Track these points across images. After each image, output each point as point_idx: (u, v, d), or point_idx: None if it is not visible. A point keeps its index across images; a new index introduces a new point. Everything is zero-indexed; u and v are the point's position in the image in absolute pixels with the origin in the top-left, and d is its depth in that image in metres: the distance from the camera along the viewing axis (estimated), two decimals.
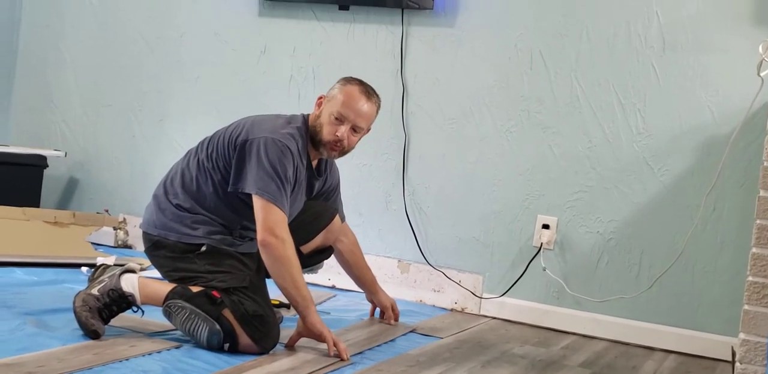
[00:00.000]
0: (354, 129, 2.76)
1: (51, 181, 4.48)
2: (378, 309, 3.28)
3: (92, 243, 4.00)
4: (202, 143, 2.82)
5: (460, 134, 3.76)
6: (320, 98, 2.82)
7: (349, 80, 2.84)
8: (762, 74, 3.09)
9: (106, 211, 4.34)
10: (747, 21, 3.32)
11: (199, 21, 4.26)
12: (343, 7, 3.90)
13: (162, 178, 2.88)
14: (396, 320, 3.23)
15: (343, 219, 3.16)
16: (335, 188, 3.10)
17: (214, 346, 2.50)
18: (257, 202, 2.60)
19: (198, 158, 2.77)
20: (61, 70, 4.58)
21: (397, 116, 3.77)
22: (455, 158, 3.76)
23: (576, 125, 3.56)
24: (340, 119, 2.73)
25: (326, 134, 2.74)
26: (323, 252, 3.10)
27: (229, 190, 2.69)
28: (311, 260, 3.05)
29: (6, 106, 4.67)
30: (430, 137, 3.82)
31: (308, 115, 2.83)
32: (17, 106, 4.69)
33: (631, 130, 3.48)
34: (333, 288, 3.80)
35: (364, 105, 2.77)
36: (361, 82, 2.83)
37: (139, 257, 3.81)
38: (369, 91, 2.81)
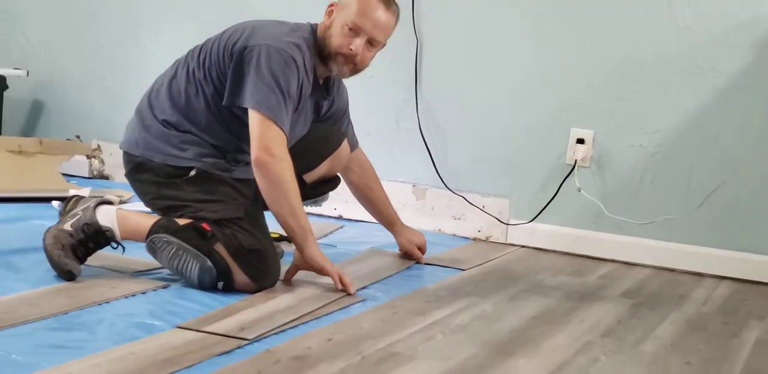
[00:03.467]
0: (370, 42, 2.70)
1: (12, 104, 4.49)
2: (399, 248, 3.27)
3: (63, 174, 4.00)
4: (192, 51, 2.78)
5: (481, 36, 3.74)
6: (331, 5, 2.75)
7: None
8: None
9: (78, 137, 4.37)
10: None
11: None
12: None
13: (146, 91, 2.83)
14: (422, 254, 3.23)
15: (355, 145, 3.15)
16: (345, 111, 3.08)
17: (206, 285, 2.51)
18: (253, 117, 2.57)
19: (188, 68, 2.73)
20: None
21: (407, 17, 3.70)
22: (476, 64, 3.76)
23: (611, 26, 3.55)
24: (354, 30, 2.67)
25: (337, 46, 2.68)
26: (329, 183, 3.09)
27: (223, 104, 2.66)
28: (315, 192, 3.04)
29: None
30: (446, 41, 3.80)
31: (316, 25, 2.78)
32: None
33: (679, 28, 3.45)
34: (340, 218, 3.83)
35: (383, 15, 2.70)
36: None
37: (117, 189, 3.83)
38: (396, 7, 2.76)
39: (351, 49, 2.68)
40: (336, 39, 2.68)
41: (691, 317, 2.74)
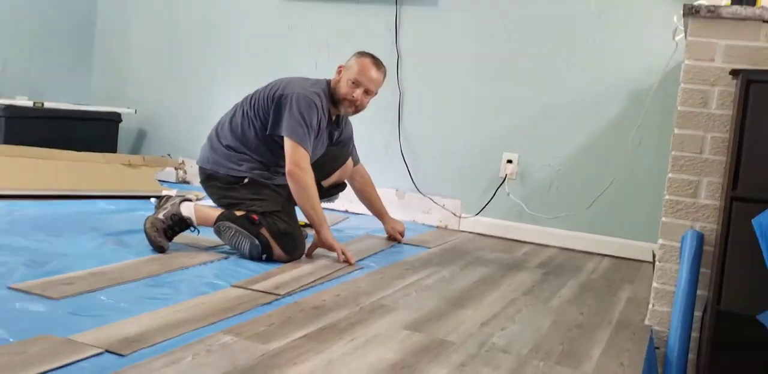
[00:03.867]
0: (366, 92, 2.71)
1: (124, 132, 4.47)
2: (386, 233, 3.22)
3: (158, 180, 3.99)
4: (246, 98, 2.78)
5: (443, 93, 3.72)
6: (340, 67, 2.74)
7: (362, 54, 2.76)
8: (676, 39, 3.04)
9: (169, 155, 4.36)
10: None
11: (237, 6, 4.19)
12: None
13: (214, 125, 2.84)
14: (401, 238, 3.18)
15: (357, 162, 3.12)
16: (350, 138, 3.05)
17: (254, 257, 2.50)
18: (287, 142, 2.58)
19: (243, 109, 2.73)
20: (131, 44, 4.54)
21: (393, 77, 3.70)
22: (440, 109, 3.73)
23: (533, 82, 3.53)
24: (356, 84, 2.68)
25: (344, 94, 2.69)
26: (338, 187, 3.07)
27: (267, 133, 2.66)
28: (329, 192, 3.03)
29: (87, 73, 4.63)
30: (420, 94, 3.78)
31: (329, 80, 2.77)
32: (97, 73, 4.65)
33: (575, 86, 3.45)
34: (346, 212, 3.81)
35: (374, 73, 2.72)
36: (372, 56, 2.76)
37: (194, 191, 3.82)
38: (378, 63, 2.76)
39: (354, 97, 2.69)
40: (343, 89, 2.69)
41: (584, 282, 2.73)
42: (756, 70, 1.90)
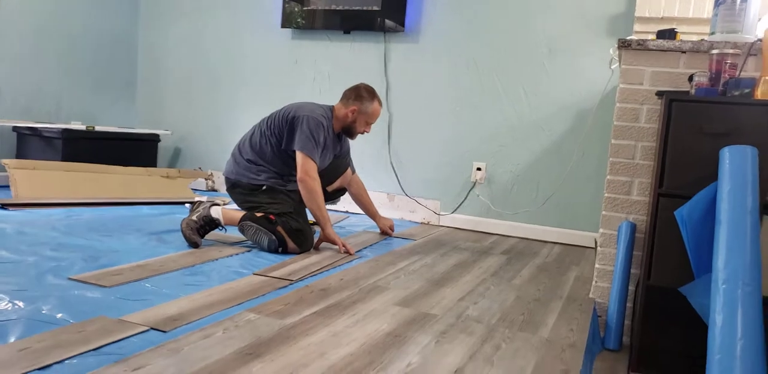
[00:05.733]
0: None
1: (163, 150, 4.47)
2: (379, 229, 3.21)
3: (192, 189, 3.99)
4: (263, 119, 2.78)
5: (424, 114, 3.73)
6: (354, 108, 2.73)
7: (372, 96, 2.75)
8: (612, 67, 3.07)
9: (200, 168, 4.34)
10: (603, 34, 3.29)
11: (253, 44, 4.20)
12: (347, 32, 3.86)
13: (236, 143, 2.84)
14: (392, 232, 3.18)
15: (353, 171, 3.12)
16: (348, 152, 3.05)
17: (272, 250, 2.50)
18: (299, 155, 2.58)
19: (261, 129, 2.73)
20: (168, 77, 4.53)
21: (384, 101, 3.71)
22: (422, 128, 3.74)
23: (496, 105, 3.54)
24: (368, 123, 2.78)
25: (361, 130, 2.78)
26: (340, 191, 3.07)
27: (282, 148, 2.66)
28: (333, 195, 3.04)
29: (131, 101, 4.63)
30: (405, 115, 3.78)
31: (332, 106, 2.78)
32: (139, 101, 4.64)
33: (530, 107, 3.47)
34: (346, 212, 3.81)
35: (380, 111, 2.80)
36: (379, 99, 2.78)
37: (221, 197, 3.82)
38: (381, 103, 2.81)
39: (367, 131, 2.81)
40: (360, 126, 2.78)
41: (540, 264, 2.74)
42: (677, 91, 1.93)
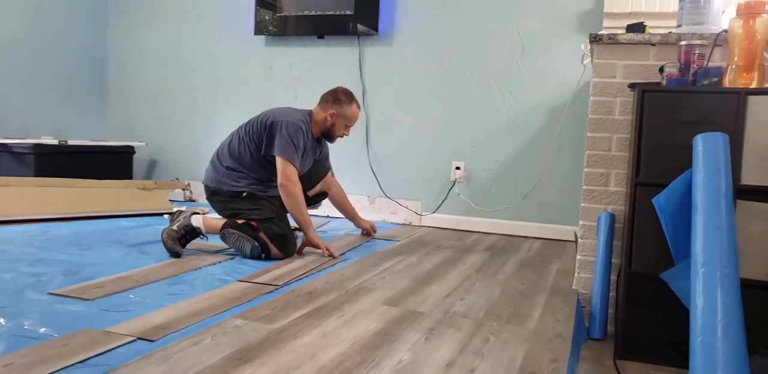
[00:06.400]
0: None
1: (138, 162, 4.43)
2: (362, 230, 3.23)
3: (169, 200, 3.95)
4: (241, 126, 2.76)
5: (401, 115, 3.75)
6: (333, 112, 2.74)
7: (350, 99, 2.77)
8: (584, 63, 3.12)
9: (176, 179, 4.31)
10: (573, 31, 3.34)
11: (227, 52, 4.19)
12: (320, 37, 3.87)
13: (214, 150, 2.81)
14: (374, 232, 3.20)
15: (332, 174, 3.12)
16: (327, 155, 3.05)
17: (255, 256, 2.48)
18: (279, 160, 2.57)
19: (239, 135, 2.71)
20: (140, 87, 4.49)
21: (361, 105, 3.70)
22: (399, 129, 3.76)
23: (472, 104, 3.58)
24: (348, 126, 2.78)
25: (340, 133, 2.79)
26: (321, 195, 3.07)
27: (261, 154, 2.64)
28: (314, 200, 3.03)
29: (104, 113, 4.59)
30: (383, 117, 3.80)
31: (310, 110, 2.78)
32: (112, 113, 4.59)
33: (506, 105, 3.50)
34: (327, 216, 3.81)
35: (358, 113, 2.81)
36: (356, 101, 2.79)
37: (200, 207, 3.79)
38: (359, 105, 2.82)
39: (346, 134, 2.81)
40: (339, 130, 2.78)
41: (522, 259, 2.76)
42: (648, 83, 1.96)
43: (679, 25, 2.06)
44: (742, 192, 1.70)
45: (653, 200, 1.73)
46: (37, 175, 3.64)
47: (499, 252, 2.91)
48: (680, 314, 1.76)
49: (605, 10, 3.04)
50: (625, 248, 1.87)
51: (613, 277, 2.09)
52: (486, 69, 3.53)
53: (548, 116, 3.41)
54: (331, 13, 3.76)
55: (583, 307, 2.13)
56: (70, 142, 3.89)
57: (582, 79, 3.19)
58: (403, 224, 3.72)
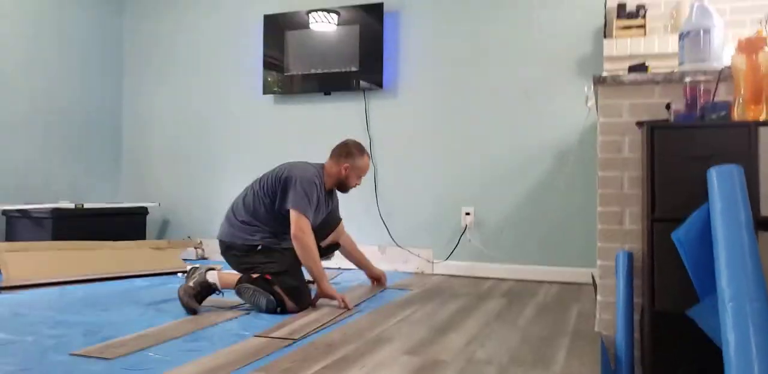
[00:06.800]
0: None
1: (151, 222, 4.43)
2: (371, 281, 3.20)
3: (183, 259, 3.94)
4: (255, 180, 2.79)
5: (407, 164, 3.79)
6: (346, 165, 2.79)
7: (361, 152, 2.83)
8: (588, 105, 3.15)
9: (189, 237, 4.31)
10: (575, 74, 3.40)
11: (239, 110, 4.26)
12: (327, 93, 3.96)
13: (229, 206, 2.83)
14: (385, 281, 3.17)
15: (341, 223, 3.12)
16: (337, 205, 3.06)
17: (270, 310, 2.46)
18: (293, 213, 2.58)
19: (254, 190, 2.74)
20: (152, 150, 4.56)
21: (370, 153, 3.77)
22: (408, 179, 3.78)
23: (478, 149, 3.61)
24: (360, 176, 2.83)
25: (353, 184, 2.83)
26: (334, 246, 3.06)
27: (276, 208, 2.66)
28: (326, 251, 3.02)
29: (117, 176, 4.64)
30: (390, 167, 3.84)
31: (322, 164, 2.82)
32: (125, 176, 4.64)
33: (511, 149, 3.53)
34: (339, 268, 3.78)
35: (369, 165, 2.87)
36: (367, 153, 2.86)
37: (213, 264, 3.77)
38: (369, 156, 2.88)
39: (359, 184, 2.85)
40: (353, 181, 2.82)
41: (540, 304, 2.73)
42: (656, 121, 1.98)
43: (681, 63, 2.09)
44: (763, 224, 1.68)
45: (672, 235, 1.70)
46: (54, 238, 3.66)
47: (517, 298, 2.87)
48: (710, 352, 1.70)
49: (605, 54, 3.10)
50: (647, 287, 1.84)
51: (636, 317, 2.04)
52: (490, 116, 3.58)
53: (555, 158, 3.43)
54: (336, 70, 3.85)
55: (608, 350, 2.08)
56: (87, 205, 3.92)
57: (588, 120, 3.22)
58: (415, 273, 3.68)
